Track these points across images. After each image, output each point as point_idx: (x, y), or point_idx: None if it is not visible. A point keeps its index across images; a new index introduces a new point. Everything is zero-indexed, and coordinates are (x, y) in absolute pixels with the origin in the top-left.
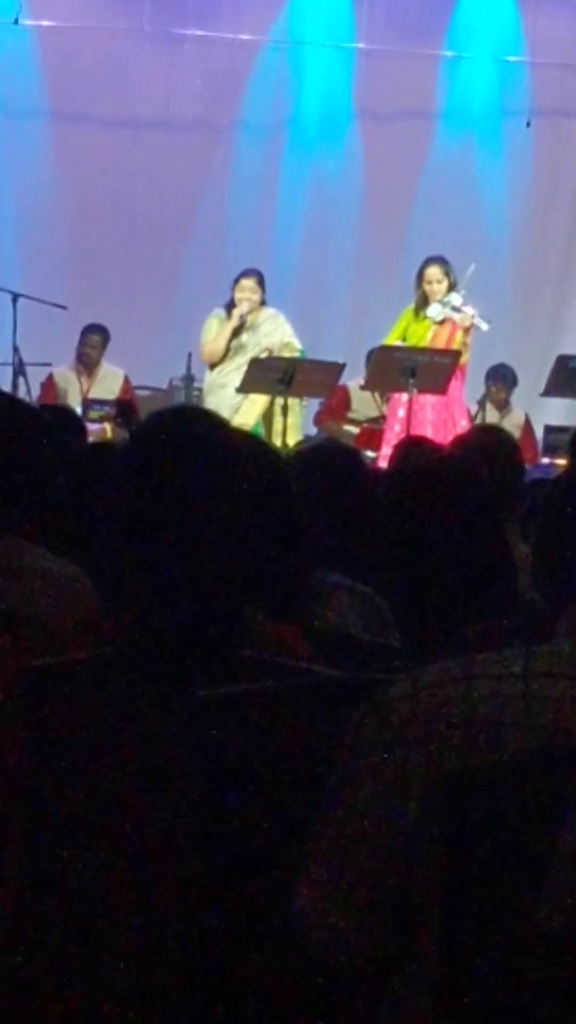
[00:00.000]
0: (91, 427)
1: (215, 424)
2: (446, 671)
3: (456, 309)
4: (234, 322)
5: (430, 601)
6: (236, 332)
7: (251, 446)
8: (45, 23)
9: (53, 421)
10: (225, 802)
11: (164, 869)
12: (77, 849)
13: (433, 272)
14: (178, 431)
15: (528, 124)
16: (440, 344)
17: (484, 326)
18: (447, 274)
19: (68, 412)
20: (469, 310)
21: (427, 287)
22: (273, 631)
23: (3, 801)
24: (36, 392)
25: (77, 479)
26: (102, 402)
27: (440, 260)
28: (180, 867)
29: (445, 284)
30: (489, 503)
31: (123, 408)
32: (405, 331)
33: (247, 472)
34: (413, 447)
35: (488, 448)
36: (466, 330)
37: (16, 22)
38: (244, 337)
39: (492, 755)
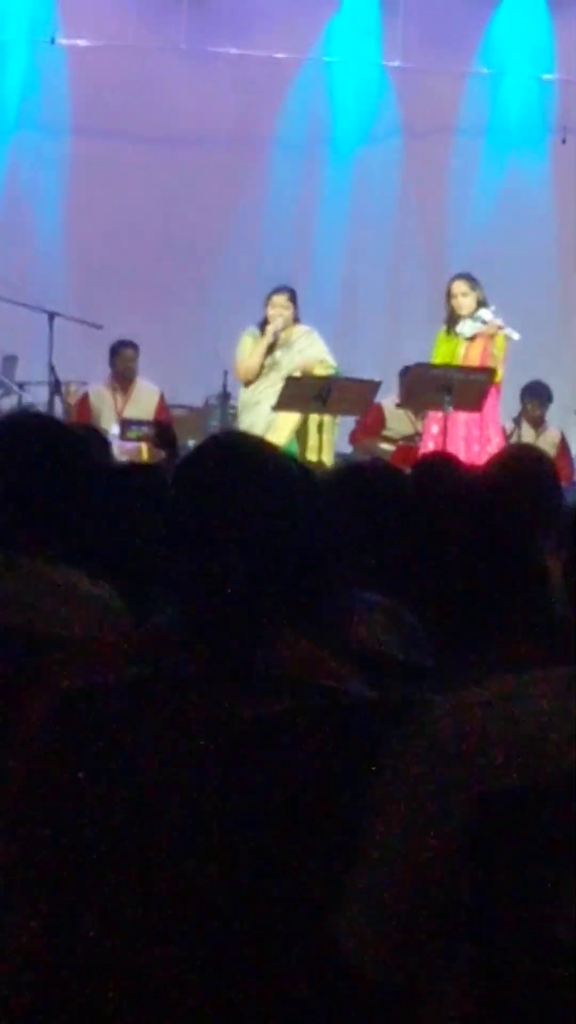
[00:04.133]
0: (127, 447)
1: (259, 448)
2: (488, 690)
3: (486, 322)
4: (268, 339)
5: (463, 620)
6: (270, 349)
7: (290, 467)
8: (81, 42)
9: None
10: (261, 823)
11: (199, 892)
12: (111, 873)
13: (458, 286)
14: (225, 456)
15: (564, 141)
16: (474, 361)
17: (515, 335)
18: (473, 288)
19: (93, 431)
20: (498, 320)
21: (453, 302)
22: (310, 651)
23: (36, 824)
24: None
25: (110, 499)
26: (139, 422)
27: (466, 275)
28: (214, 890)
29: (472, 298)
30: (522, 522)
31: (161, 429)
32: (441, 353)
33: (289, 494)
34: (437, 463)
35: (522, 467)
36: (491, 337)
37: (52, 41)
38: (278, 355)
39: (534, 774)
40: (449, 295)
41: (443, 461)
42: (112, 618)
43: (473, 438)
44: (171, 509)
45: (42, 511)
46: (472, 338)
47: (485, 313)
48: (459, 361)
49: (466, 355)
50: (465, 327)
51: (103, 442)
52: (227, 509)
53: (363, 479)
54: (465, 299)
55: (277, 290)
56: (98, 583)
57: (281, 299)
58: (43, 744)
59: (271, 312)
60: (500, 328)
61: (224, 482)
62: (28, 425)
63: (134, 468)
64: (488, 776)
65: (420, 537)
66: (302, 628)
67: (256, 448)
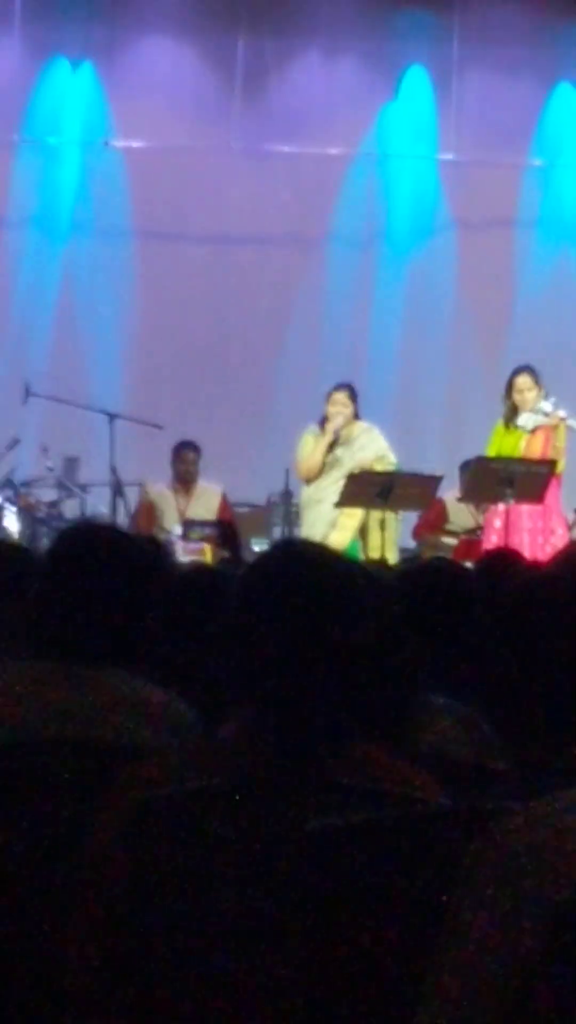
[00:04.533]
0: (191, 547)
1: (324, 556)
2: (562, 800)
3: (547, 414)
4: (328, 437)
5: (534, 723)
6: (331, 447)
7: (356, 573)
8: (134, 144)
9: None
10: (334, 936)
11: (272, 1006)
12: (183, 983)
13: (523, 381)
14: (293, 565)
15: None
16: (535, 453)
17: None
18: (536, 383)
19: (154, 542)
20: (560, 412)
21: (517, 396)
22: (384, 759)
23: (111, 934)
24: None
25: (175, 607)
26: (203, 523)
27: (529, 369)
28: (289, 1003)
29: (535, 393)
30: None
31: (224, 529)
32: (498, 447)
33: (358, 601)
34: (501, 559)
35: None
36: (553, 427)
37: (106, 143)
38: (339, 452)
39: None
40: (512, 388)
41: (506, 557)
42: (181, 727)
43: (537, 530)
44: (239, 619)
45: (107, 620)
46: (533, 431)
47: (546, 405)
48: (520, 454)
49: (527, 448)
50: (527, 420)
51: (165, 554)
52: (297, 619)
53: (428, 581)
54: (530, 394)
55: (337, 387)
56: (165, 692)
57: (341, 396)
58: (115, 856)
59: (331, 410)
60: (563, 419)
61: (293, 592)
62: (93, 534)
63: (198, 575)
64: (561, 887)
65: (487, 638)
66: (375, 736)
67: (321, 555)
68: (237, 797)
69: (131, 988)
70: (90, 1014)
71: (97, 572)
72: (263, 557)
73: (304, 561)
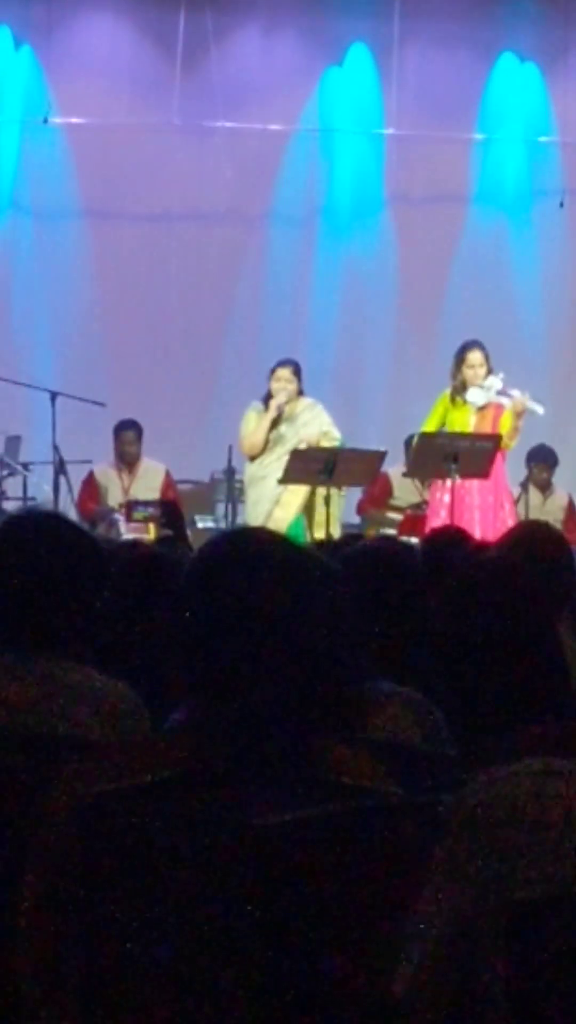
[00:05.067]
0: (134, 527)
1: (271, 543)
2: (520, 767)
3: (502, 393)
4: (272, 414)
5: (482, 706)
6: (275, 423)
7: (304, 559)
8: (75, 120)
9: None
10: (286, 930)
11: (230, 1001)
12: (135, 978)
13: (475, 357)
14: (241, 552)
15: (561, 204)
16: (486, 428)
17: (539, 409)
18: (487, 359)
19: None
20: (518, 394)
21: (468, 371)
22: (339, 749)
23: (62, 931)
24: (77, 490)
25: (121, 594)
26: (146, 503)
27: (480, 344)
28: (247, 998)
29: (485, 369)
30: (538, 603)
31: (167, 509)
32: (443, 417)
33: (306, 587)
34: (447, 541)
35: (534, 544)
36: (518, 414)
37: (45, 121)
38: (283, 428)
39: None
40: (463, 363)
41: (452, 536)
42: (129, 717)
43: (488, 505)
44: (185, 609)
45: (52, 611)
46: (483, 408)
47: (495, 381)
48: (469, 430)
49: (478, 424)
50: (475, 395)
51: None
52: (244, 606)
53: (374, 564)
54: (481, 369)
55: (281, 363)
56: (112, 680)
57: (285, 372)
58: (64, 852)
59: (275, 386)
60: (526, 403)
61: (239, 579)
62: (35, 524)
63: (143, 560)
64: (510, 861)
65: (433, 622)
66: (325, 724)
67: (268, 543)
68: (190, 791)
69: (79, 985)
70: (39, 1010)
71: (39, 561)
72: (210, 546)
73: (251, 550)
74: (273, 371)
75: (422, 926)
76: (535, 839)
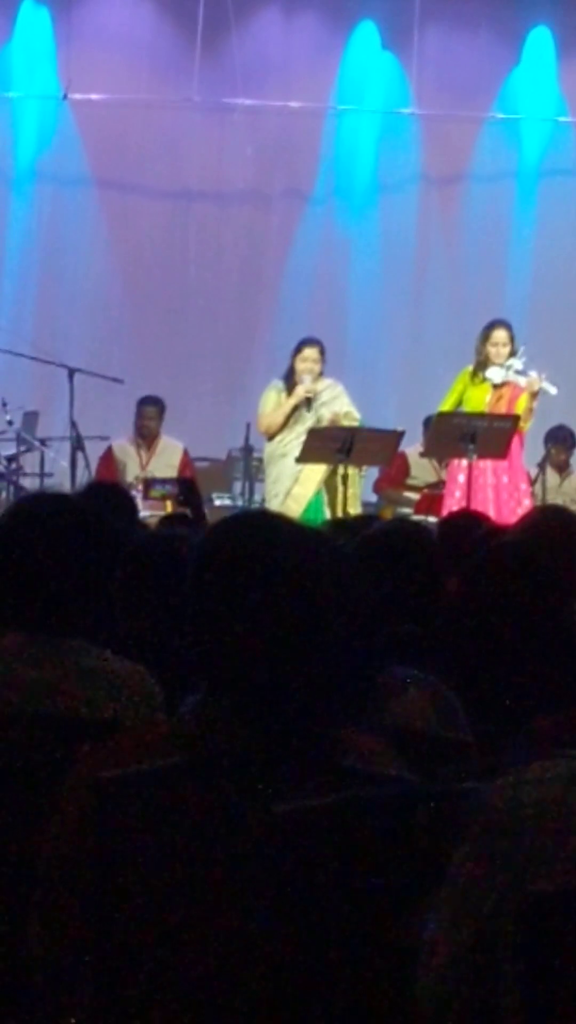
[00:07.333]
0: (151, 503)
1: (284, 527)
2: (547, 769)
3: (520, 372)
4: (294, 401)
5: (497, 690)
6: (296, 405)
7: (313, 542)
8: (94, 96)
9: (107, 502)
10: (301, 917)
11: (240, 985)
12: (147, 963)
13: (501, 335)
14: (246, 539)
15: None
16: (502, 408)
17: (552, 390)
18: (512, 339)
19: (121, 494)
20: (535, 374)
21: (492, 349)
22: (349, 736)
23: (76, 913)
24: (95, 466)
25: (134, 574)
26: (163, 481)
27: (507, 324)
28: (256, 983)
29: (508, 349)
30: (554, 590)
31: (184, 486)
32: (462, 394)
33: (316, 571)
34: (464, 523)
35: (551, 530)
36: (533, 395)
37: (64, 98)
38: (302, 407)
39: None
40: (488, 340)
41: (469, 519)
42: (144, 698)
43: (502, 486)
44: (194, 595)
45: (65, 593)
46: (501, 385)
47: (516, 362)
48: (486, 406)
49: (495, 402)
50: (495, 373)
51: (131, 507)
52: (255, 594)
53: (390, 547)
54: (504, 349)
55: (308, 342)
56: (129, 663)
57: (312, 352)
58: (79, 835)
59: (301, 366)
60: (541, 383)
61: (250, 566)
62: (46, 507)
63: (157, 542)
64: (535, 861)
65: (449, 607)
66: (340, 710)
67: (279, 527)
68: (200, 776)
69: (94, 968)
70: (52, 992)
71: (50, 544)
72: (218, 529)
73: (261, 534)
74: (300, 349)
75: (442, 930)
76: (560, 845)
